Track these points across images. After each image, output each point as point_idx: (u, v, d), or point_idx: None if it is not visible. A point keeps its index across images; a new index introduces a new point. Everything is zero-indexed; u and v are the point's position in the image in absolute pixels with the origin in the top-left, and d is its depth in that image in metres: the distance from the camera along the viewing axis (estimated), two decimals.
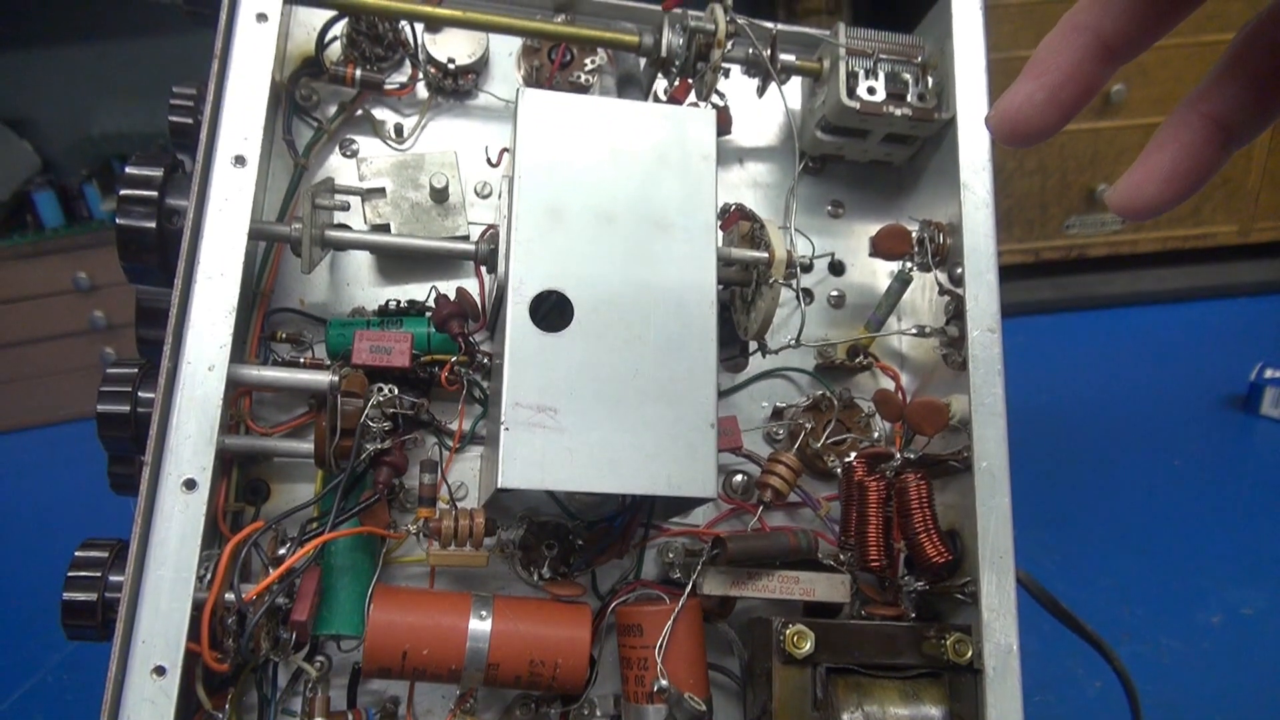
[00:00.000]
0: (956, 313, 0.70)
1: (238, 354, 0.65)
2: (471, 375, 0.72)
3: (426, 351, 0.71)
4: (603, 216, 0.62)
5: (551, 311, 0.61)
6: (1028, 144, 0.33)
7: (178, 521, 0.57)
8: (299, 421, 0.71)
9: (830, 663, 0.64)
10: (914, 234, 0.74)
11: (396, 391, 0.66)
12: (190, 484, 0.57)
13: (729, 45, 0.72)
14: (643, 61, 0.76)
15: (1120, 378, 2.12)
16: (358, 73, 0.74)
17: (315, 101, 0.76)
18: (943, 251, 0.72)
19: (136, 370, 0.68)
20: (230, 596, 0.58)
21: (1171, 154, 0.32)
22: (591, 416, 0.59)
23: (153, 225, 0.67)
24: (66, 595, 0.62)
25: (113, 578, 0.62)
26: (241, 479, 0.69)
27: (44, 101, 2.36)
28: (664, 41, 0.72)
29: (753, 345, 0.73)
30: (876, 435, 0.77)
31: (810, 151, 0.82)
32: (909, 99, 0.75)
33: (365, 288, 0.76)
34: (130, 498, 0.61)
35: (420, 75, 0.77)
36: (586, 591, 0.72)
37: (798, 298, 0.78)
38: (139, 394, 0.67)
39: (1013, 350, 0.68)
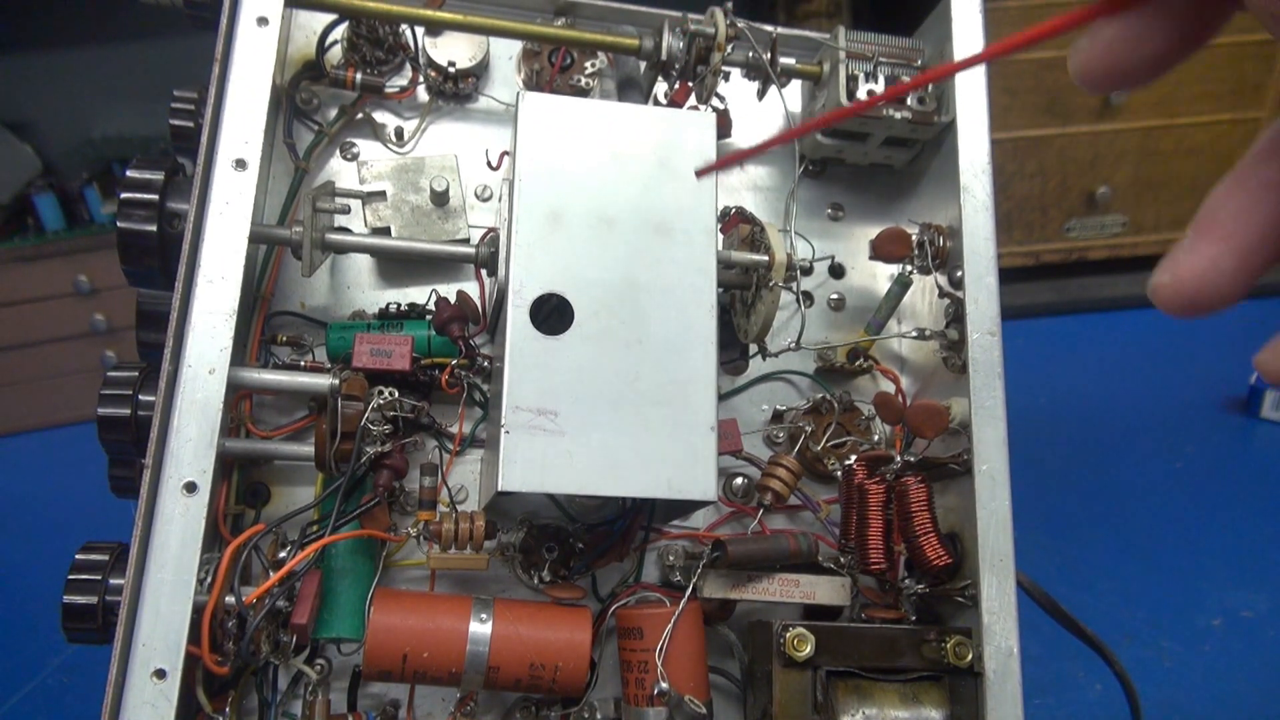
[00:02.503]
0: (956, 316, 0.70)
1: (238, 357, 0.65)
2: (472, 378, 0.72)
3: (427, 354, 0.71)
4: (603, 220, 0.62)
5: (552, 315, 0.61)
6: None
7: (178, 524, 0.57)
8: (299, 425, 0.71)
9: (830, 665, 0.64)
10: (914, 237, 0.74)
11: (397, 394, 0.66)
12: (191, 487, 0.57)
13: (729, 49, 0.72)
14: (643, 65, 0.76)
15: (1120, 380, 2.12)
16: (358, 76, 0.74)
17: (316, 105, 0.76)
18: (943, 254, 0.72)
19: (137, 373, 0.68)
20: (231, 599, 0.58)
21: (1234, 234, 0.27)
22: (592, 419, 0.59)
23: (153, 229, 0.67)
24: (67, 598, 0.62)
25: (113, 581, 0.63)
26: (242, 482, 0.69)
27: (45, 104, 2.36)
28: (664, 45, 0.72)
29: (753, 348, 0.74)
30: (877, 438, 0.77)
31: (810, 154, 0.82)
32: (909, 102, 0.75)
33: (366, 291, 0.76)
34: (131, 501, 0.61)
35: (421, 79, 0.77)
36: (587, 594, 0.72)
37: (798, 301, 0.78)
38: (139, 397, 0.67)
39: (1013, 353, 0.68)
